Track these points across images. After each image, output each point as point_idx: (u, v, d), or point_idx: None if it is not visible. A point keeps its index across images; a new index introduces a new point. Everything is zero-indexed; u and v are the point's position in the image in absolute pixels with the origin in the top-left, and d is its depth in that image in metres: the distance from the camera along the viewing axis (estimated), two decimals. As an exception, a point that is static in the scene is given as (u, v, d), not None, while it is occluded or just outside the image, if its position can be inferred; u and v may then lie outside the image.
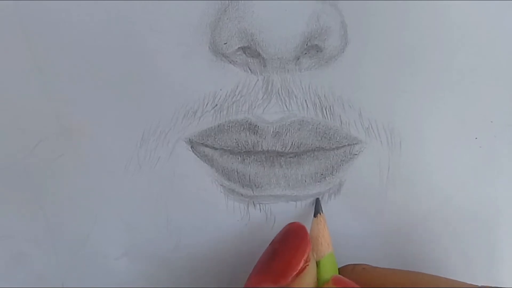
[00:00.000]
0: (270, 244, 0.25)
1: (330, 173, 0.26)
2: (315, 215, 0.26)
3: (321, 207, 0.26)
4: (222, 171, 0.26)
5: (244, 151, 0.26)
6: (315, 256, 0.25)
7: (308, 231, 0.25)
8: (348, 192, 0.27)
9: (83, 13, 0.24)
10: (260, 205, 0.27)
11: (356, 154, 0.26)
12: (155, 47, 0.24)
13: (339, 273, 0.25)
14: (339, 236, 0.27)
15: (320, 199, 0.27)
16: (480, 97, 0.26)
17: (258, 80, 0.25)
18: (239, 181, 0.26)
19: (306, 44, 0.24)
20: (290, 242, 0.24)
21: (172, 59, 0.24)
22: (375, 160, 0.26)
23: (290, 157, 0.26)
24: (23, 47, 0.24)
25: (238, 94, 0.25)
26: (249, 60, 0.24)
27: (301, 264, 0.23)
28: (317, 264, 0.25)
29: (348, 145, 0.26)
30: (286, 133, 0.25)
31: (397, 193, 0.27)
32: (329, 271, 0.25)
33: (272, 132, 0.25)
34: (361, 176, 0.26)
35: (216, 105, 0.25)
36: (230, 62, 0.24)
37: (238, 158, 0.26)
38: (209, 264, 0.27)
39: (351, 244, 0.27)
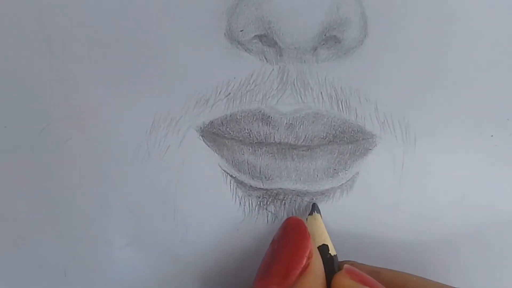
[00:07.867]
0: (270, 244, 0.24)
1: (343, 168, 0.26)
2: (311, 214, 0.25)
3: (319, 209, 0.26)
4: (232, 162, 0.26)
5: (255, 142, 0.25)
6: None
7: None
8: (361, 188, 0.26)
9: (98, -6, 0.23)
10: (270, 198, 0.26)
11: (370, 149, 0.25)
12: (169, 32, 0.24)
13: None
14: (350, 232, 0.26)
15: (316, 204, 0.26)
16: (497, 94, 0.25)
17: (273, 69, 0.24)
18: (249, 173, 0.26)
19: (325, 35, 0.23)
20: (290, 240, 0.23)
21: (187, 44, 0.24)
22: (389, 155, 0.26)
23: (302, 150, 0.25)
24: (35, 28, 0.24)
25: (252, 83, 0.24)
26: (265, 49, 0.24)
27: (304, 262, 0.22)
28: None
29: (363, 139, 0.25)
30: (300, 126, 0.25)
31: (411, 190, 0.26)
32: None
33: (286, 123, 0.25)
34: (374, 172, 0.26)
35: (229, 93, 0.24)
36: (246, 50, 0.24)
37: (250, 149, 0.25)
38: (215, 256, 0.27)
39: (362, 240, 0.27)
